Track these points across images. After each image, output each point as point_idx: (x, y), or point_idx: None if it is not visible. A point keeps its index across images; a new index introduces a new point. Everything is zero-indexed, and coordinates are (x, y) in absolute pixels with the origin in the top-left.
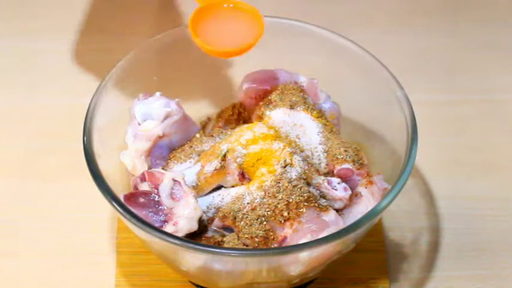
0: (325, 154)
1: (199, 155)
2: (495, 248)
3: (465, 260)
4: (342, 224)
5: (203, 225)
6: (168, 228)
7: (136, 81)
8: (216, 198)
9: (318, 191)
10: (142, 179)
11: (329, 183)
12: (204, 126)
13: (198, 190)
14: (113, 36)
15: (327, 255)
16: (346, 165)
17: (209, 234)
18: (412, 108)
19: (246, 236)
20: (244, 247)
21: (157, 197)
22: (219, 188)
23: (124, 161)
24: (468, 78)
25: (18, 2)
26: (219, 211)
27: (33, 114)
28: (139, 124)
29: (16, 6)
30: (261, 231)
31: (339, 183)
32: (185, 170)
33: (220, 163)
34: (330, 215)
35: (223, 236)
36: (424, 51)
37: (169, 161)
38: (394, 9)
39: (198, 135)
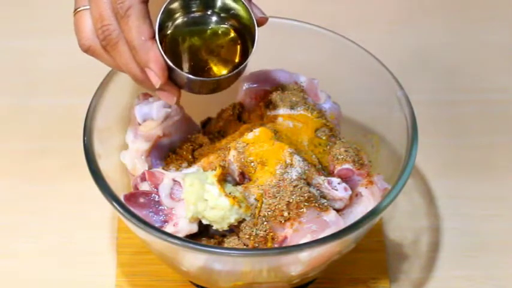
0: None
1: (199, 155)
2: (495, 248)
3: (465, 260)
4: (342, 224)
5: (203, 226)
6: (168, 228)
7: None
8: None
9: (318, 191)
10: (143, 178)
11: (329, 183)
12: (204, 126)
13: None
14: None
15: (327, 255)
16: (346, 165)
17: (209, 234)
18: (412, 108)
19: (246, 236)
20: (244, 247)
21: (157, 197)
22: None
23: (124, 161)
24: (468, 78)
25: (18, 2)
26: None
27: (33, 114)
28: (139, 124)
29: (16, 6)
30: (261, 231)
31: (339, 183)
32: (185, 170)
33: (220, 163)
34: (330, 215)
35: (223, 236)
36: (424, 51)
37: (169, 161)
38: (394, 9)
39: (198, 135)
